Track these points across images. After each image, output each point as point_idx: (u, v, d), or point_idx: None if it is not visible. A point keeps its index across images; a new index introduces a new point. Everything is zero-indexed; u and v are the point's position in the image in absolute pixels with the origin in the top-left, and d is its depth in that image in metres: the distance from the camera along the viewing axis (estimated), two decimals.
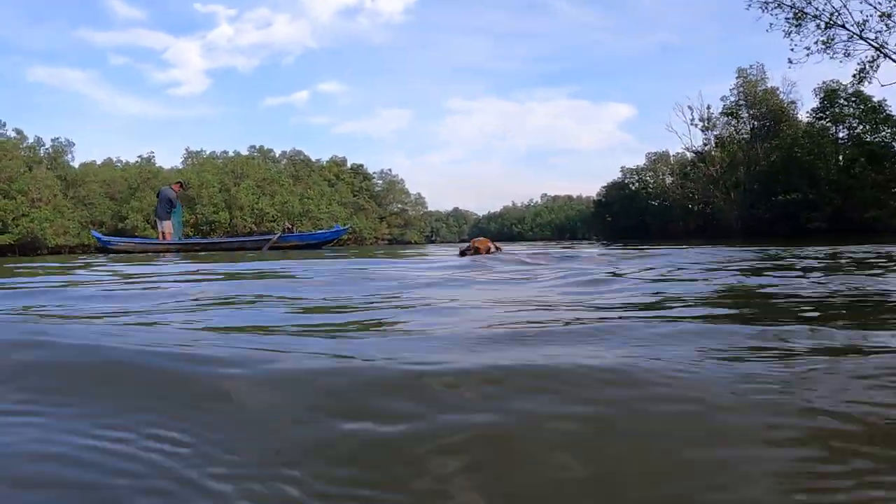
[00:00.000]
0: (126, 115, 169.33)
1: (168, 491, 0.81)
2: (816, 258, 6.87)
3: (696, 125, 52.61)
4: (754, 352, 1.57)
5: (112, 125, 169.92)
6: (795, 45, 34.65)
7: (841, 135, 43.32)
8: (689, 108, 52.87)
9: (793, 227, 39.79)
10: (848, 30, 31.24)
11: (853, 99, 41.97)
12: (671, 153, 65.63)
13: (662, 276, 4.78)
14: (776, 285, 3.82)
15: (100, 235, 22.38)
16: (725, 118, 50.88)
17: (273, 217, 47.24)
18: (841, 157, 42.41)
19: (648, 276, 4.61)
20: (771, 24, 33.91)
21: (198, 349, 1.39)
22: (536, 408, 1.01)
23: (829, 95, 43.00)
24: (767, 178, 44.13)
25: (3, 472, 0.86)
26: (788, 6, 31.86)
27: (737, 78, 50.20)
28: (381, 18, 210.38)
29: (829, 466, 0.85)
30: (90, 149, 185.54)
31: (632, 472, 0.85)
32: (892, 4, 29.89)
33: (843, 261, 6.34)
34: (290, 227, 25.02)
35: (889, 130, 41.28)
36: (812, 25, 31.92)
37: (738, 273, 4.77)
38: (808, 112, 46.32)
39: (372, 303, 3.20)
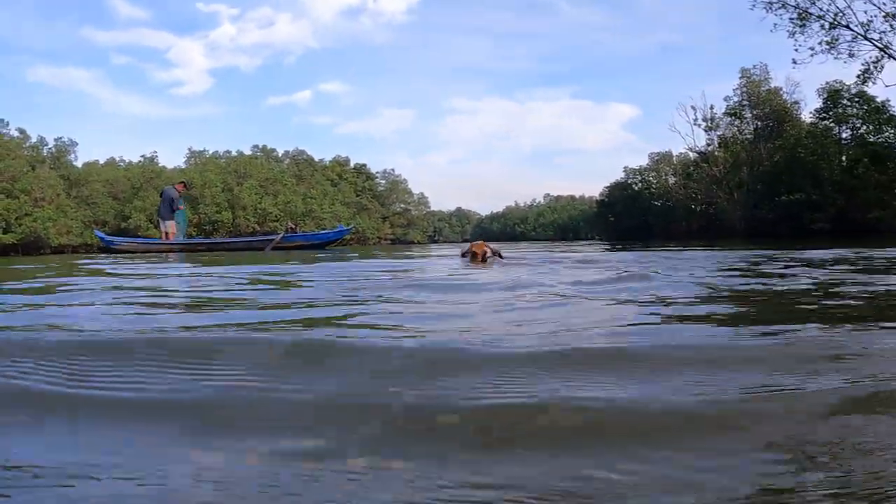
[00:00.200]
0: (129, 115, 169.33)
1: None
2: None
3: (699, 125, 52.49)
4: None
5: (115, 125, 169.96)
6: (799, 45, 34.54)
7: (844, 135, 43.23)
8: (693, 108, 52.63)
9: (796, 228, 39.69)
10: (852, 30, 31.21)
11: (856, 99, 41.86)
12: (674, 153, 65.54)
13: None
14: None
15: (103, 235, 22.40)
16: (729, 118, 50.74)
17: (276, 217, 47.22)
18: (844, 158, 42.30)
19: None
20: (775, 24, 33.91)
21: None
22: None
23: (833, 96, 42.89)
24: (771, 178, 44.01)
25: None
26: (793, 6, 31.83)
27: (740, 78, 50.11)
28: (383, 18, 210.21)
29: None
30: (93, 148, 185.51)
31: None
32: None
33: None
34: (293, 227, 25.02)
35: (892, 131, 41.18)
36: (816, 26, 31.89)
37: None
38: (811, 112, 46.26)
39: None
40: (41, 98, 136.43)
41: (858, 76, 33.38)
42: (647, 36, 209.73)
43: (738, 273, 5.43)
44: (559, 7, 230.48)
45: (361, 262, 8.20)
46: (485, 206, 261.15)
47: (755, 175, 47.11)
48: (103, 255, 19.80)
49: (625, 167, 73.48)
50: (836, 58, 32.20)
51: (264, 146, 66.66)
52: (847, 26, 31.13)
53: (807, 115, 47.66)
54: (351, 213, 61.17)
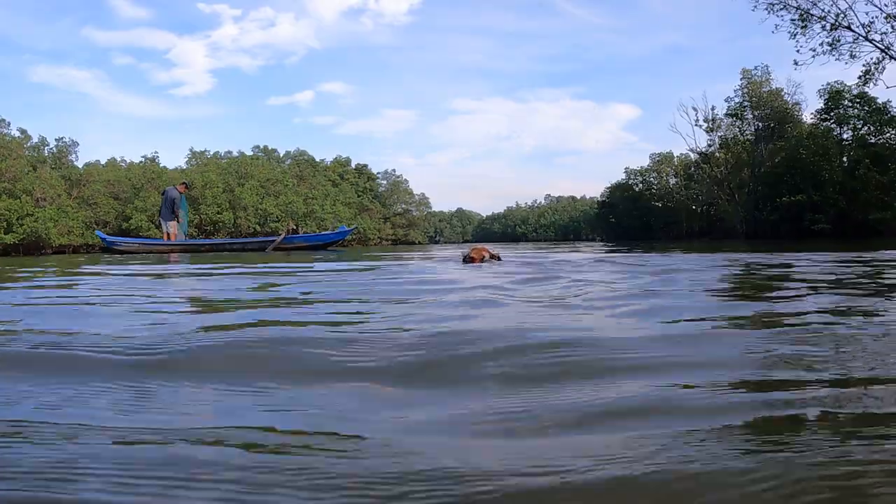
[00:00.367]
0: (130, 115, 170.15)
1: None
2: None
3: (700, 126, 52.48)
4: None
5: (116, 125, 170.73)
6: (801, 46, 34.54)
7: (845, 136, 43.23)
8: (694, 109, 52.64)
9: (797, 229, 39.73)
10: (853, 31, 31.20)
11: (857, 100, 41.85)
12: (675, 154, 65.57)
13: None
14: None
15: (104, 236, 22.45)
16: (730, 119, 50.74)
17: (277, 217, 47.17)
18: (845, 159, 42.30)
19: None
20: (777, 25, 33.92)
21: None
22: None
23: (834, 97, 42.90)
24: (772, 179, 44.01)
25: None
26: (794, 7, 31.81)
27: (741, 79, 50.10)
28: (385, 19, 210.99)
29: None
30: (94, 149, 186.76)
31: None
32: None
33: None
34: (294, 227, 25.06)
35: (894, 132, 41.19)
36: (817, 27, 31.88)
37: None
38: (812, 113, 46.27)
39: None
40: (42, 98, 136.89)
41: (860, 77, 33.35)
42: (648, 37, 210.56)
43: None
44: (561, 8, 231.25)
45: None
46: (486, 206, 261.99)
47: (756, 176, 47.11)
48: (106, 255, 19.80)
49: (626, 168, 73.58)
50: (837, 59, 32.23)
51: (265, 146, 66.65)
52: (848, 27, 31.13)
53: (808, 116, 47.76)
54: (352, 214, 61.12)
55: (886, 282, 4.65)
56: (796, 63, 33.21)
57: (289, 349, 2.03)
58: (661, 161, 67.32)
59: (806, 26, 31.90)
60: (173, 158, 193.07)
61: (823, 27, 31.70)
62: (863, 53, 32.11)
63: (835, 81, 43.31)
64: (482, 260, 7.79)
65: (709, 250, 13.26)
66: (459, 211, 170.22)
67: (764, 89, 49.02)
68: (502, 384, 1.64)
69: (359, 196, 69.53)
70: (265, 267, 8.43)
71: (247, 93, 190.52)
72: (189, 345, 2.08)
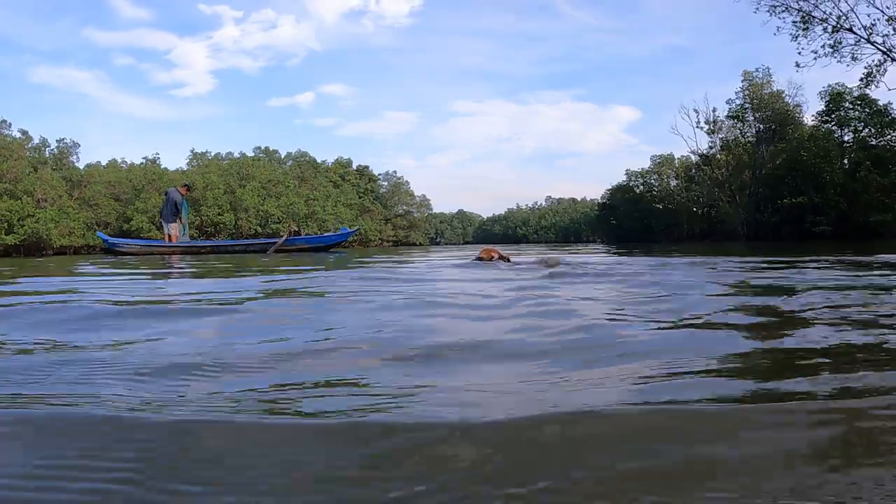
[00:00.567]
0: (131, 116, 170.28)
1: None
2: None
3: (701, 128, 52.49)
4: None
5: (117, 126, 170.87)
6: (803, 48, 34.53)
7: (846, 138, 43.25)
8: (695, 110, 52.64)
9: (798, 231, 39.73)
10: (855, 33, 31.16)
11: (858, 102, 41.87)
12: (676, 156, 65.55)
13: None
14: None
15: (106, 237, 22.40)
16: (731, 121, 50.73)
17: (279, 219, 47.16)
18: (846, 161, 42.31)
19: None
20: (778, 27, 33.90)
21: None
22: None
23: (835, 99, 42.92)
24: (773, 181, 44.00)
25: None
26: (796, 10, 31.78)
27: (742, 81, 50.10)
28: (386, 21, 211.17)
29: None
30: (95, 150, 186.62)
31: None
32: None
33: None
34: (296, 229, 25.06)
35: (894, 134, 41.20)
36: (819, 29, 31.85)
37: None
38: (813, 115, 46.30)
39: None
40: (43, 99, 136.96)
41: (861, 79, 33.31)
42: (648, 39, 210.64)
43: None
44: (562, 10, 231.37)
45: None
46: (486, 208, 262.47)
47: (757, 178, 47.10)
48: (109, 256, 19.79)
49: (626, 170, 73.51)
50: (838, 61, 32.22)
51: (266, 148, 66.64)
52: (850, 30, 31.10)
53: (809, 118, 47.76)
54: (353, 215, 61.10)
55: None
56: (798, 65, 33.15)
57: None
58: (662, 163, 67.28)
59: (807, 28, 31.87)
60: (174, 159, 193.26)
61: (825, 29, 31.68)
62: (864, 56, 32.18)
63: (836, 83, 43.40)
64: (491, 259, 8.14)
65: (711, 254, 13.19)
66: (460, 212, 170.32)
67: (765, 91, 49.02)
68: None
69: (360, 197, 69.53)
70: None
71: (248, 94, 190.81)
72: None
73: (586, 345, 2.23)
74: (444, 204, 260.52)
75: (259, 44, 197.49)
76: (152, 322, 2.96)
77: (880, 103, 40.99)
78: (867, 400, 1.42)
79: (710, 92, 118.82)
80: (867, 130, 42.08)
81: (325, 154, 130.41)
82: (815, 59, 32.39)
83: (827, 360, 1.93)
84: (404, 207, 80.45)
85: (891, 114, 40.73)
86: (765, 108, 48.57)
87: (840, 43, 31.55)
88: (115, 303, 3.80)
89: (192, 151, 58.24)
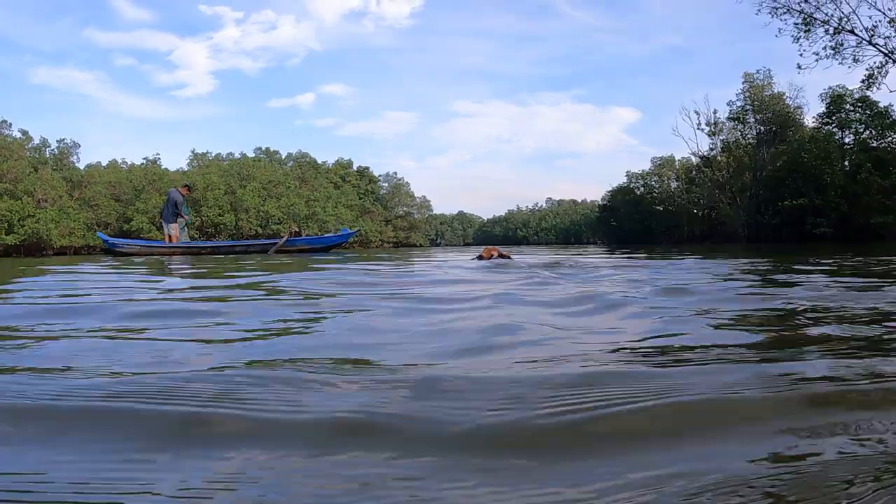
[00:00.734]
0: (131, 116, 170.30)
1: None
2: None
3: (702, 130, 52.46)
4: None
5: (117, 126, 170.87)
6: (804, 50, 34.49)
7: (847, 140, 43.25)
8: (696, 112, 52.59)
9: (799, 233, 39.70)
10: (857, 35, 31.15)
11: (859, 104, 41.88)
12: (676, 158, 65.52)
13: None
14: None
15: (106, 237, 22.35)
16: (732, 123, 50.69)
17: (279, 220, 47.12)
18: (847, 163, 42.30)
19: None
20: (780, 29, 33.84)
21: None
22: None
23: (836, 101, 42.92)
24: (774, 183, 43.98)
25: None
26: (797, 11, 31.76)
27: (743, 83, 50.06)
28: (386, 22, 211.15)
29: None
30: (95, 150, 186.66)
31: None
32: None
33: None
34: (297, 230, 25.04)
35: (895, 136, 41.19)
36: (821, 31, 31.84)
37: None
38: (814, 117, 46.31)
39: None
40: (43, 99, 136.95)
41: (862, 81, 33.30)
42: (648, 40, 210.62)
43: None
44: (562, 11, 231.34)
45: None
46: (487, 209, 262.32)
47: (758, 180, 47.07)
48: (107, 257, 19.76)
49: (627, 171, 73.54)
50: (840, 63, 32.18)
51: (267, 148, 66.58)
52: (852, 31, 31.09)
53: (809, 120, 47.75)
54: (354, 216, 61.07)
55: None
56: (800, 67, 33.12)
57: None
58: (663, 164, 67.25)
59: (809, 30, 31.87)
60: (175, 160, 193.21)
61: (826, 31, 31.68)
62: (866, 57, 32.19)
63: (837, 85, 43.39)
64: (491, 258, 8.46)
65: (712, 254, 13.18)
66: (460, 214, 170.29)
67: (766, 93, 48.99)
68: None
69: (360, 198, 69.52)
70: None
71: (248, 95, 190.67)
72: None
73: None
74: (444, 205, 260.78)
75: (259, 44, 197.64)
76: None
77: (881, 105, 41.05)
78: None
79: (710, 94, 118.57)
80: (868, 132, 42.10)
81: (325, 155, 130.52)
82: (816, 60, 32.37)
83: None
84: (405, 209, 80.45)
85: (892, 116, 40.76)
86: (766, 110, 48.53)
87: (841, 45, 31.56)
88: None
89: (192, 152, 58.20)
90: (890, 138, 41.25)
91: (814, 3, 31.39)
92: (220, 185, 45.59)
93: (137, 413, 1.32)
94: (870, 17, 45.81)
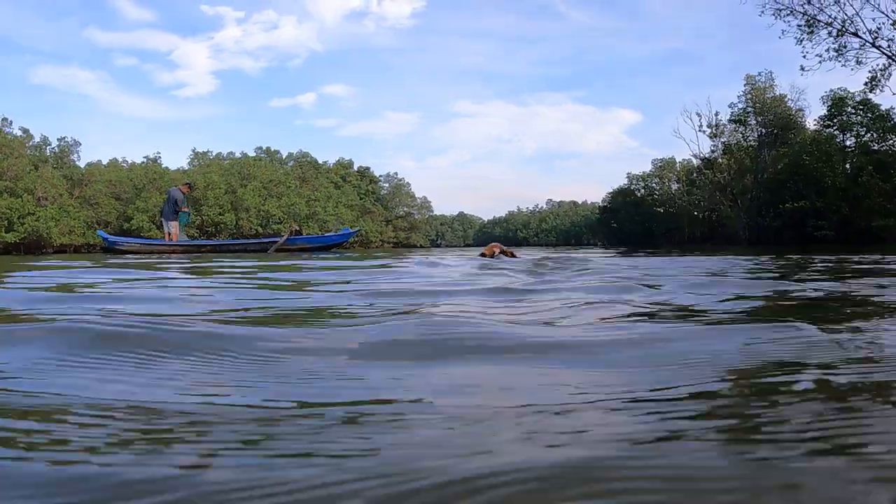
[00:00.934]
0: (132, 116, 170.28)
1: None
2: None
3: (703, 132, 52.42)
4: None
5: (118, 125, 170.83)
6: (807, 52, 34.43)
7: (848, 143, 43.19)
8: (698, 114, 52.55)
9: (800, 236, 39.66)
10: (860, 37, 31.11)
11: (861, 107, 41.84)
12: (677, 160, 65.47)
13: None
14: None
15: (106, 235, 22.33)
16: (733, 125, 50.65)
17: (280, 219, 47.11)
18: (848, 166, 42.25)
19: None
20: (784, 30, 33.77)
21: None
22: None
23: (837, 103, 42.88)
24: (775, 185, 43.93)
25: None
26: (801, 13, 31.73)
27: (745, 85, 50.01)
28: (388, 22, 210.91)
29: None
30: (96, 149, 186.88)
31: None
32: None
33: None
34: (297, 229, 24.97)
35: None
36: (824, 33, 31.81)
37: None
38: (815, 120, 46.25)
39: None
40: (45, 98, 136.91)
41: (866, 84, 33.28)
42: (650, 41, 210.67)
43: None
44: (564, 12, 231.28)
45: None
46: (487, 210, 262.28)
47: (759, 182, 47.02)
48: (108, 255, 19.72)
49: (628, 173, 73.37)
50: (843, 65, 32.17)
51: (268, 148, 66.63)
52: (855, 34, 31.06)
53: (811, 123, 47.68)
54: (354, 216, 61.09)
55: None
56: (803, 69, 33.13)
57: None
58: (664, 166, 67.18)
59: (812, 32, 31.85)
60: (175, 159, 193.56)
61: (830, 33, 31.65)
62: (869, 60, 32.15)
63: (838, 88, 43.34)
64: (493, 255, 8.50)
65: (705, 254, 13.12)
66: (461, 215, 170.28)
67: (767, 95, 48.95)
68: None
69: (361, 199, 69.56)
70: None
71: (249, 94, 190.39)
72: None
73: None
74: (444, 205, 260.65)
75: (260, 44, 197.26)
76: None
77: (882, 108, 40.99)
78: None
79: (711, 95, 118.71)
80: (869, 135, 42.03)
81: (326, 155, 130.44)
82: (819, 62, 32.36)
83: None
84: (405, 209, 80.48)
85: (893, 119, 40.69)
86: (767, 112, 48.48)
87: (845, 47, 31.54)
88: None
89: (193, 151, 58.30)
90: (891, 141, 41.17)
91: (817, 5, 31.39)
92: (221, 185, 45.61)
93: None
94: (873, 20, 45.79)
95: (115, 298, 3.70)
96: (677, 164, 65.01)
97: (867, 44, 31.13)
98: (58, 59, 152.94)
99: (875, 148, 41.40)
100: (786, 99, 48.78)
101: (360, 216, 64.90)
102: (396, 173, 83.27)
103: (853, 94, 41.69)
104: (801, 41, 32.28)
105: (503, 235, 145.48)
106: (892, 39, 30.86)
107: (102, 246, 27.81)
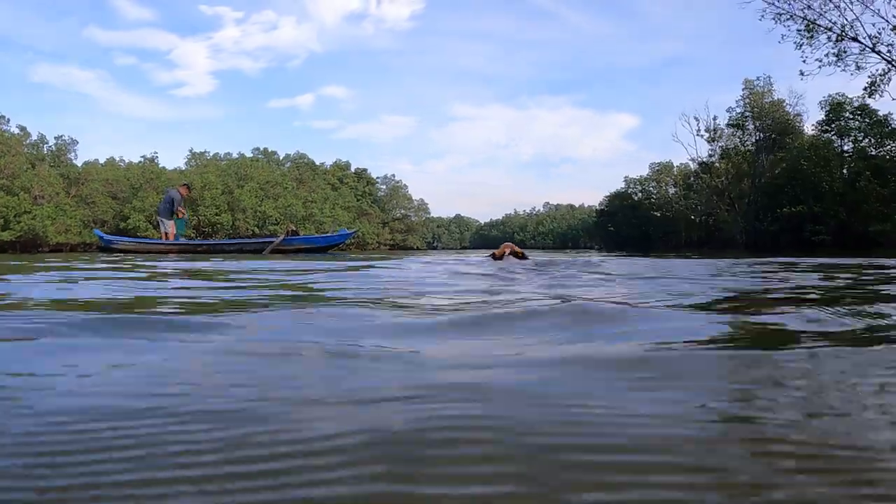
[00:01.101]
0: (130, 115, 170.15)
1: None
2: None
3: (701, 136, 52.43)
4: None
5: (116, 124, 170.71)
6: (807, 56, 34.40)
7: (846, 148, 43.23)
8: (696, 118, 52.64)
9: (797, 240, 39.67)
10: (860, 42, 31.09)
11: (858, 112, 41.89)
12: (675, 164, 65.61)
13: None
14: None
15: (102, 234, 22.23)
16: (731, 129, 50.70)
17: (276, 220, 47.03)
18: (846, 171, 42.30)
19: None
20: (783, 35, 33.74)
21: None
22: None
23: (835, 109, 42.93)
24: (772, 190, 43.98)
25: None
26: (801, 18, 31.71)
27: (743, 89, 50.07)
28: (387, 24, 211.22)
29: None
30: (93, 147, 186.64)
31: None
32: None
33: None
34: (294, 229, 24.86)
35: (894, 144, 41.19)
36: (824, 38, 31.77)
37: None
38: (813, 125, 46.28)
39: None
40: (43, 96, 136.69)
41: (865, 89, 33.22)
42: (649, 46, 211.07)
43: None
44: (563, 16, 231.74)
45: None
46: (484, 213, 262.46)
47: (757, 187, 47.07)
48: (103, 254, 19.64)
49: (625, 177, 73.58)
50: (843, 70, 32.10)
51: (265, 149, 66.54)
52: (855, 39, 31.03)
53: (809, 128, 47.76)
54: (351, 218, 61.02)
55: None
56: (802, 73, 33.05)
57: None
58: (661, 170, 67.32)
59: (812, 37, 31.79)
60: (173, 159, 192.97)
61: (830, 38, 31.60)
62: (869, 65, 32.10)
63: (836, 93, 43.40)
64: (503, 256, 8.37)
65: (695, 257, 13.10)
66: (458, 217, 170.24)
67: (766, 100, 49.00)
68: None
69: (358, 200, 69.48)
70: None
71: (248, 95, 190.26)
72: None
73: None
74: (441, 209, 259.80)
75: (259, 45, 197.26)
76: None
77: (880, 114, 41.02)
78: None
79: (709, 100, 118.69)
80: (867, 140, 42.07)
81: (323, 156, 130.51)
82: (819, 67, 32.28)
83: None
84: (402, 211, 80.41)
85: (891, 124, 40.73)
86: (765, 117, 48.53)
87: (845, 52, 31.47)
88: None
89: (190, 151, 58.18)
90: (889, 146, 41.22)
91: (817, 10, 31.35)
92: (218, 185, 45.52)
93: None
94: (873, 25, 45.90)
95: None
96: (675, 168, 65.15)
97: (867, 49, 31.10)
98: (58, 57, 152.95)
99: (873, 153, 41.44)
100: (784, 104, 48.87)
101: (357, 218, 64.80)
102: (394, 175, 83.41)
103: (851, 99, 41.78)
104: (801, 46, 32.25)
105: (500, 238, 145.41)
106: (891, 45, 30.84)
107: (98, 245, 27.71)
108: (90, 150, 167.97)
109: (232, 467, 0.77)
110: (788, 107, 48.79)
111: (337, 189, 66.30)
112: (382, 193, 79.09)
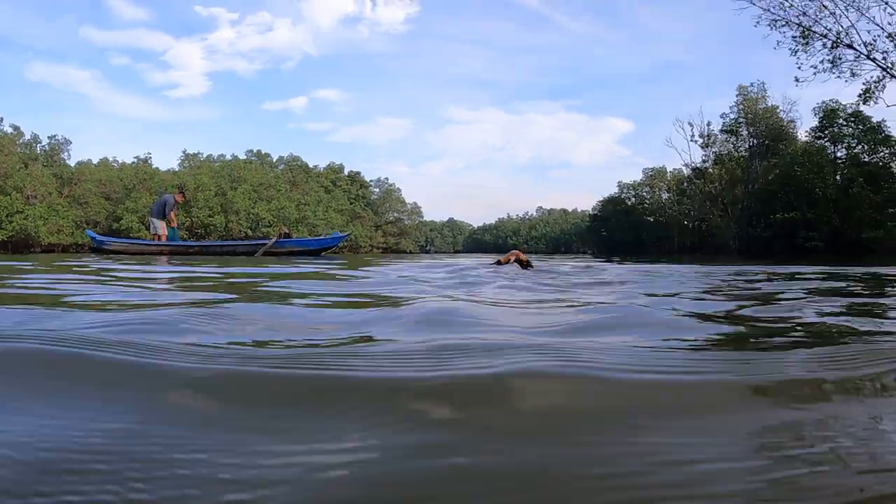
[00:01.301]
0: (124, 116, 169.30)
1: None
2: None
3: (695, 141, 52.53)
4: None
5: (110, 124, 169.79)
6: (802, 63, 34.49)
7: (839, 155, 43.36)
8: (690, 124, 52.75)
9: (790, 246, 39.73)
10: (855, 49, 31.15)
11: (852, 119, 42.02)
12: (668, 169, 65.76)
13: None
14: None
15: (94, 235, 22.11)
16: (724, 135, 50.81)
17: (269, 222, 46.89)
18: (839, 177, 42.41)
19: None
20: (779, 42, 33.87)
21: None
22: None
23: (829, 115, 43.04)
24: (766, 196, 44.06)
25: None
26: (796, 24, 31.76)
27: (737, 95, 50.23)
28: (382, 28, 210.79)
29: None
30: (87, 147, 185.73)
31: None
32: None
33: None
34: (287, 232, 24.76)
35: (887, 151, 41.34)
36: (819, 44, 31.83)
37: None
38: (807, 131, 46.41)
39: None
40: (37, 96, 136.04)
41: (859, 95, 33.25)
42: (644, 51, 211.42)
43: None
44: (558, 21, 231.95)
45: None
46: (478, 217, 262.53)
47: (750, 192, 47.16)
48: (95, 254, 19.52)
49: (618, 182, 73.66)
50: (838, 77, 32.14)
51: (259, 151, 66.39)
52: (850, 46, 31.09)
53: (802, 134, 47.87)
54: (344, 221, 60.95)
55: None
56: (797, 80, 33.09)
57: None
58: (654, 176, 67.45)
59: (808, 43, 31.84)
60: (166, 160, 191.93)
61: (825, 45, 31.65)
62: (864, 72, 32.06)
63: (830, 100, 43.52)
64: (508, 262, 8.31)
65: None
66: (451, 221, 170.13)
67: (759, 106, 49.14)
68: None
69: (351, 203, 69.38)
70: None
71: (242, 96, 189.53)
72: None
73: None
74: (435, 212, 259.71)
75: (254, 46, 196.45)
76: None
77: (874, 121, 41.16)
78: None
79: (703, 106, 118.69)
80: (860, 147, 42.20)
81: (317, 159, 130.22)
82: (814, 74, 32.32)
83: None
84: (395, 214, 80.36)
85: (884, 131, 40.88)
86: (759, 123, 48.67)
87: (840, 59, 31.52)
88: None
89: (184, 152, 57.96)
90: (882, 153, 41.37)
91: (812, 17, 31.41)
92: (211, 187, 45.39)
93: None
94: (868, 32, 45.92)
95: None
96: (668, 174, 65.29)
97: (862, 56, 31.17)
98: (54, 57, 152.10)
99: (866, 160, 41.57)
100: (777, 110, 49.01)
101: (350, 221, 64.72)
102: (387, 178, 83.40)
103: (845, 105, 41.91)
104: (796, 52, 32.31)
105: (493, 242, 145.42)
106: (886, 52, 30.92)
107: (90, 246, 27.58)
108: (83, 150, 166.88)
109: None
110: (782, 113, 48.97)
111: (330, 192, 66.17)
112: (376, 196, 79.02)
